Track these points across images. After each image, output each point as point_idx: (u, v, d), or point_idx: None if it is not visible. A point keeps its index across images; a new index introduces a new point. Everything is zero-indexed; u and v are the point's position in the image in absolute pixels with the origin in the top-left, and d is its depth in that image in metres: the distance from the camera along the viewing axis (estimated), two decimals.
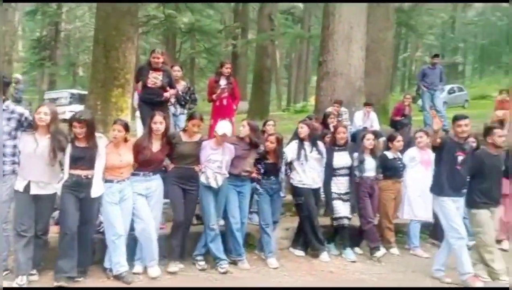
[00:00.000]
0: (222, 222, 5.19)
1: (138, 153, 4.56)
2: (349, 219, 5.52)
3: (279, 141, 5.20)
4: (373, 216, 5.67)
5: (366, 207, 5.60)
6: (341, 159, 5.52)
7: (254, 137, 5.09)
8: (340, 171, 5.49)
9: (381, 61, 11.64)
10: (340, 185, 5.49)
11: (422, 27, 25.90)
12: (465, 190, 4.87)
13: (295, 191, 5.47)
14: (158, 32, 22.70)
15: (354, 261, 5.43)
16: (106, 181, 4.42)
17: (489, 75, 41.58)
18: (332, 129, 7.53)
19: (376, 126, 8.66)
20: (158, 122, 4.60)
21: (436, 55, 10.75)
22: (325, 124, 7.59)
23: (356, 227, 5.77)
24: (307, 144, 5.41)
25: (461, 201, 4.83)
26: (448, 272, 4.92)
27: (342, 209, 5.44)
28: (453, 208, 4.73)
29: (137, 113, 6.74)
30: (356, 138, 8.40)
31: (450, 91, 24.33)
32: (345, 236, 5.63)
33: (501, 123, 10.30)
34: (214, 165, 4.83)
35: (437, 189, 4.87)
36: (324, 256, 5.36)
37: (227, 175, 4.92)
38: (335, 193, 5.47)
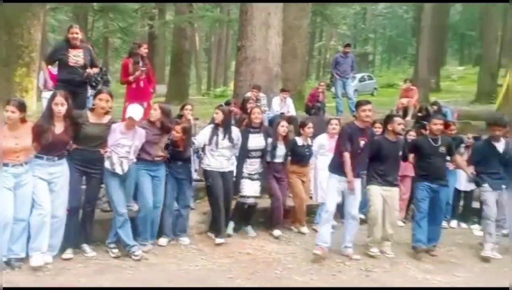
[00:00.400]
0: (136, 207, 5.07)
1: (39, 136, 4.26)
2: (256, 197, 5.64)
3: (186, 131, 5.14)
4: (281, 196, 5.79)
5: (272, 187, 5.76)
6: (256, 141, 5.61)
7: (166, 121, 4.96)
8: (254, 153, 5.59)
9: (297, 48, 11.92)
10: (251, 166, 5.59)
11: (336, 17, 26.88)
12: (364, 172, 5.29)
13: (204, 174, 5.50)
14: (68, 8, 21.26)
15: (254, 237, 5.65)
16: (3, 165, 4.11)
17: (396, 65, 44.57)
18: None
19: (292, 112, 8.88)
20: (60, 104, 4.30)
21: (348, 45, 11.22)
22: (244, 109, 7.64)
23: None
24: (220, 131, 5.41)
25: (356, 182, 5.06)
26: (357, 249, 5.25)
27: (249, 188, 5.55)
28: (334, 186, 5.05)
29: (44, 94, 6.29)
30: (273, 124, 8.62)
31: (361, 79, 25.72)
32: (249, 215, 5.79)
33: (405, 110, 11.12)
34: (122, 150, 4.63)
35: (330, 167, 5.22)
36: (220, 240, 5.32)
37: (134, 160, 4.75)
38: (245, 173, 5.56)
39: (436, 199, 5.36)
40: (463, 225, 6.79)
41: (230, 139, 5.43)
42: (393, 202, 5.33)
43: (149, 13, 21.56)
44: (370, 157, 5.21)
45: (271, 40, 8.96)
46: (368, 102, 5.12)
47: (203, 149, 5.46)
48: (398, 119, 5.36)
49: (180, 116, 6.46)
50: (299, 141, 6.13)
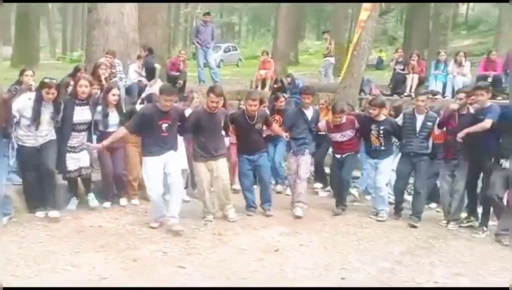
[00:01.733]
0: None
1: None
2: (86, 168, 5.43)
3: (6, 103, 4.76)
4: (111, 166, 5.66)
5: (102, 157, 5.64)
6: (82, 114, 5.32)
7: None
8: (79, 126, 5.31)
9: (157, 13, 11.52)
10: (75, 139, 5.32)
11: None
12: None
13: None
14: None
15: (94, 208, 5.51)
16: None
17: (260, 37, 45.94)
18: (103, 81, 7.26)
19: None
20: None
21: (208, 13, 11.23)
22: (95, 75, 7.20)
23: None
24: (44, 104, 5.04)
25: (164, 157, 5.02)
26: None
27: (72, 163, 5.30)
28: (152, 166, 5.00)
29: None
30: (130, 92, 8.33)
31: (226, 50, 26.07)
32: (85, 187, 5.60)
33: (264, 81, 11.64)
34: None
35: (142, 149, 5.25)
36: (55, 213, 5.07)
37: None
38: (69, 147, 5.28)
39: (258, 167, 5.84)
40: None
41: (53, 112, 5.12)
42: (219, 173, 5.43)
43: None
44: (193, 131, 5.40)
45: (125, 3, 8.52)
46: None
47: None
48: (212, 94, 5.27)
49: (20, 83, 5.90)
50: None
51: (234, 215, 5.57)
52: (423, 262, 4.53)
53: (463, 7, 32.22)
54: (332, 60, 12.77)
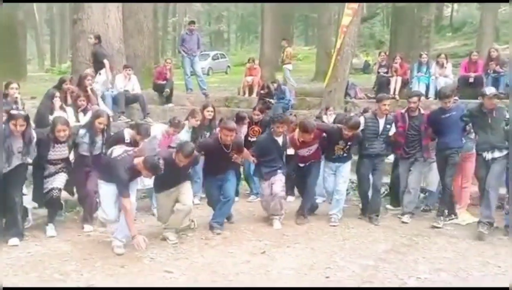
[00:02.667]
0: None
1: None
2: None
3: None
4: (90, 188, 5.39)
5: (81, 180, 5.42)
6: (59, 152, 5.12)
7: None
8: (56, 161, 5.11)
9: (143, 23, 11.63)
10: (52, 170, 5.14)
11: None
12: None
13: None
14: None
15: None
16: None
17: (249, 44, 46.19)
18: (89, 92, 7.31)
19: (138, 90, 8.73)
20: None
21: (192, 22, 11.34)
22: (81, 86, 7.26)
23: None
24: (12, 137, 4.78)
25: None
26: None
27: (46, 185, 5.11)
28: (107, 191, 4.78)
29: None
30: (116, 102, 8.38)
31: (214, 57, 26.22)
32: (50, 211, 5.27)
33: (251, 88, 11.74)
34: None
35: None
36: (14, 240, 4.75)
37: None
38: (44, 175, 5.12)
39: (223, 182, 5.51)
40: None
41: None
42: (181, 197, 5.07)
43: None
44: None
45: (110, 14, 8.64)
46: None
47: None
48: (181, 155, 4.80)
49: (5, 95, 5.95)
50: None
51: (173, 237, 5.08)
52: (407, 259, 4.63)
53: (447, 10, 32.66)
54: (289, 66, 13.38)
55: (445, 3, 29.64)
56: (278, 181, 5.67)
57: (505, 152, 5.36)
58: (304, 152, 5.83)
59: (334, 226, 5.73)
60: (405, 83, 10.11)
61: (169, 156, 4.83)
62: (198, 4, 36.37)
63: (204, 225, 5.52)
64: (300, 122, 5.86)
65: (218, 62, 26.19)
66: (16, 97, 5.72)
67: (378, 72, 10.65)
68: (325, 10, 18.75)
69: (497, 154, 5.40)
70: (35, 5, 26.66)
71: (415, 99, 5.92)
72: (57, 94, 6.29)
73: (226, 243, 5.04)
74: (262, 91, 10.21)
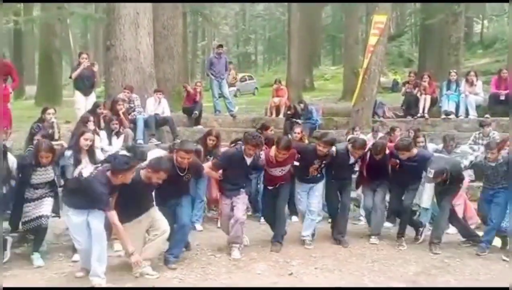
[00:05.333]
0: None
1: None
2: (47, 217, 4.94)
3: None
4: None
5: None
6: (43, 175, 4.94)
7: None
8: (39, 185, 4.96)
9: (173, 48, 11.96)
10: (34, 195, 4.97)
11: (216, 17, 27.31)
12: None
13: None
14: None
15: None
16: None
17: (276, 65, 46.60)
18: (122, 116, 7.56)
19: (167, 112, 8.94)
20: None
21: (220, 46, 11.56)
22: (114, 110, 7.53)
23: None
24: None
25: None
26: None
27: (30, 212, 4.92)
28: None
29: None
30: (147, 125, 8.58)
31: (242, 80, 26.49)
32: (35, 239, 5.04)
33: (278, 109, 11.83)
34: None
35: None
36: None
37: None
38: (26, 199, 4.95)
39: (177, 207, 5.02)
40: None
41: None
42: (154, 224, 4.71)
43: (13, 9, 19.82)
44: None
45: (142, 40, 8.93)
46: None
47: None
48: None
49: (42, 120, 6.22)
50: None
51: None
52: (438, 281, 4.53)
53: (477, 26, 32.19)
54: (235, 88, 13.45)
55: (475, 20, 29.23)
56: (241, 204, 5.32)
57: None
58: (277, 171, 5.49)
59: (308, 248, 5.56)
60: (434, 102, 9.99)
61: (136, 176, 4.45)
62: (226, 28, 37.09)
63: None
64: (278, 138, 5.52)
65: (245, 84, 26.45)
66: (53, 122, 5.96)
67: (406, 92, 10.56)
68: (351, 30, 18.82)
69: None
70: (70, 32, 27.77)
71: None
72: (91, 118, 6.53)
73: (254, 264, 5.04)
74: (288, 112, 10.29)
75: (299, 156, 5.54)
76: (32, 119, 6.87)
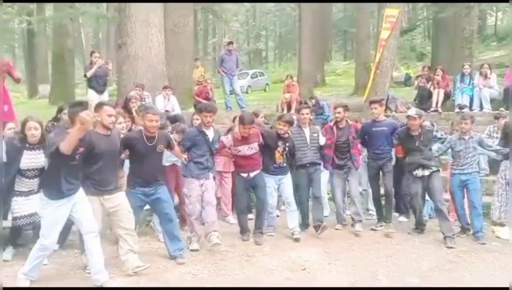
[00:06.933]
0: None
1: None
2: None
3: None
4: None
5: None
6: (33, 159, 4.62)
7: None
8: (30, 173, 4.67)
9: (185, 46, 12.00)
10: (26, 186, 4.75)
11: (226, 14, 27.30)
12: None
13: None
14: None
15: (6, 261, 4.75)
16: None
17: (287, 61, 46.48)
18: (134, 113, 7.60)
19: (177, 109, 8.99)
20: None
21: (231, 42, 11.55)
22: (127, 108, 7.57)
23: None
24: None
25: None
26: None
27: (21, 208, 4.75)
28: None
29: None
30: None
31: (253, 76, 26.50)
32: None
33: (289, 104, 11.80)
34: None
35: None
36: None
37: None
38: (17, 191, 4.75)
39: (156, 200, 4.85)
40: None
41: None
42: (118, 214, 4.37)
43: (26, 9, 20.08)
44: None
45: (153, 38, 8.97)
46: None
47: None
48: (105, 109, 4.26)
49: (57, 119, 6.27)
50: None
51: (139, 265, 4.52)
52: (452, 276, 4.49)
53: (491, 19, 31.71)
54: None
55: (488, 12, 28.80)
56: (210, 188, 5.31)
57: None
58: (245, 149, 5.61)
59: (297, 242, 5.67)
60: (448, 96, 9.88)
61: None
62: (237, 25, 37.05)
63: (245, 242, 5.59)
64: (242, 114, 5.79)
65: (257, 80, 26.43)
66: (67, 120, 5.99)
67: (419, 86, 10.45)
68: (363, 24, 18.68)
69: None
70: (82, 32, 28.01)
71: (340, 109, 6.11)
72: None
73: (267, 259, 5.06)
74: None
75: (264, 141, 5.74)
76: (48, 117, 6.92)
